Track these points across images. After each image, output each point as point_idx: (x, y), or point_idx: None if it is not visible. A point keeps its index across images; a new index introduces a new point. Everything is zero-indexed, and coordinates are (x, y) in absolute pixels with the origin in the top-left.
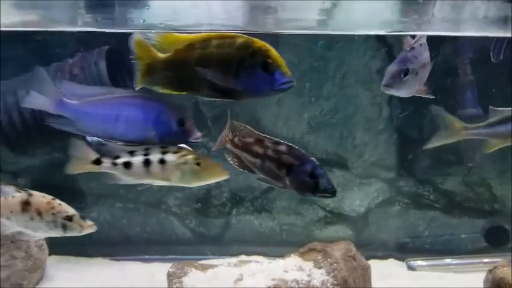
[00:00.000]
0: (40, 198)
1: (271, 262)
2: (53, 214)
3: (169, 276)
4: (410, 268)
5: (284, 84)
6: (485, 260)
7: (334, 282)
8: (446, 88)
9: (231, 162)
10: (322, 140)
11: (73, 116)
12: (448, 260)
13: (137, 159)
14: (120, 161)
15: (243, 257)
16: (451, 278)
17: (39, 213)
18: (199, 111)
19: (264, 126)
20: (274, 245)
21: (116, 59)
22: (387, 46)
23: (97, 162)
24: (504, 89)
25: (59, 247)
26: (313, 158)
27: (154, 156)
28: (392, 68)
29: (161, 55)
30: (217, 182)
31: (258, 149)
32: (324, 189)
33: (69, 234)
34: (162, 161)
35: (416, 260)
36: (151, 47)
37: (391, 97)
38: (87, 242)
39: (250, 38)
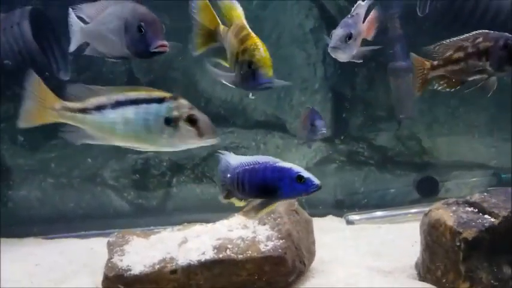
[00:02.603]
0: None
1: (215, 223)
2: None
3: (110, 245)
4: (349, 222)
5: None
6: (418, 210)
7: (279, 236)
8: (376, 43)
9: (440, 88)
10: (261, 102)
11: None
12: (383, 213)
13: None
14: None
15: (186, 224)
16: (388, 227)
17: None
18: (134, 78)
19: (202, 89)
20: (216, 212)
21: (40, 19)
22: (319, 5)
23: None
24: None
25: None
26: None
27: None
28: (339, 31)
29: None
30: (155, 152)
31: (459, 54)
32: None
33: None
34: None
35: (354, 215)
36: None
37: (325, 56)
38: (16, 222)
39: None
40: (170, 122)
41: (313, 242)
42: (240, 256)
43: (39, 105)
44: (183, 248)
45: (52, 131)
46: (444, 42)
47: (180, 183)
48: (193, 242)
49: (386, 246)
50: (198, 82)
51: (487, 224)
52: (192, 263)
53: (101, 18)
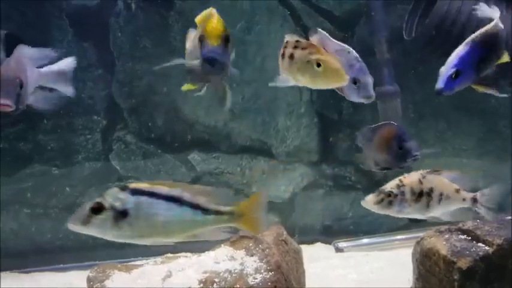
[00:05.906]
0: None
1: (200, 255)
2: None
3: (90, 281)
4: (338, 250)
5: None
6: (407, 236)
7: (268, 268)
8: None
9: None
10: (246, 127)
11: None
12: (372, 239)
13: None
14: None
15: (169, 255)
16: (377, 255)
17: None
18: (115, 103)
19: (185, 114)
20: (201, 240)
21: (16, 44)
22: (304, 29)
23: None
24: (417, 66)
25: None
26: None
27: None
28: None
29: None
30: (134, 177)
31: None
32: None
33: None
34: None
35: (343, 242)
36: None
37: None
38: None
39: None
40: None
41: (303, 273)
42: None
43: None
44: (167, 283)
45: (27, 158)
46: None
47: None
48: (177, 276)
49: (376, 274)
50: (181, 107)
51: (481, 253)
52: None
53: None
